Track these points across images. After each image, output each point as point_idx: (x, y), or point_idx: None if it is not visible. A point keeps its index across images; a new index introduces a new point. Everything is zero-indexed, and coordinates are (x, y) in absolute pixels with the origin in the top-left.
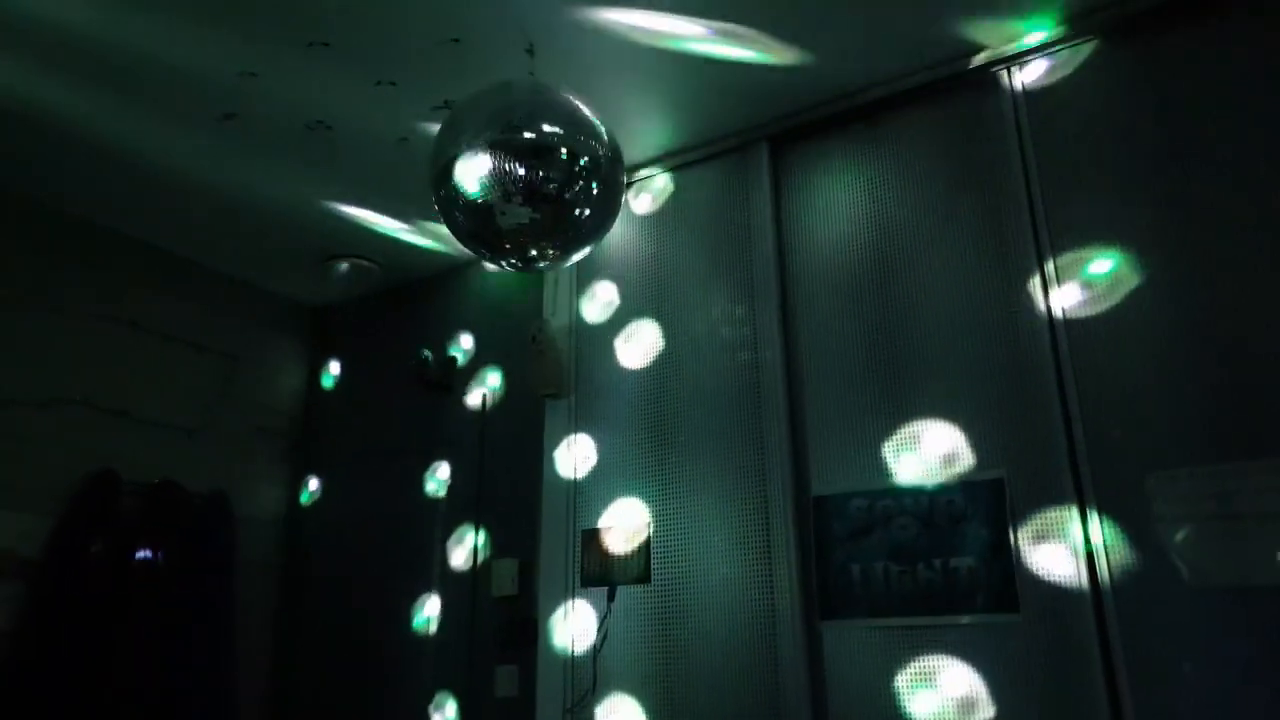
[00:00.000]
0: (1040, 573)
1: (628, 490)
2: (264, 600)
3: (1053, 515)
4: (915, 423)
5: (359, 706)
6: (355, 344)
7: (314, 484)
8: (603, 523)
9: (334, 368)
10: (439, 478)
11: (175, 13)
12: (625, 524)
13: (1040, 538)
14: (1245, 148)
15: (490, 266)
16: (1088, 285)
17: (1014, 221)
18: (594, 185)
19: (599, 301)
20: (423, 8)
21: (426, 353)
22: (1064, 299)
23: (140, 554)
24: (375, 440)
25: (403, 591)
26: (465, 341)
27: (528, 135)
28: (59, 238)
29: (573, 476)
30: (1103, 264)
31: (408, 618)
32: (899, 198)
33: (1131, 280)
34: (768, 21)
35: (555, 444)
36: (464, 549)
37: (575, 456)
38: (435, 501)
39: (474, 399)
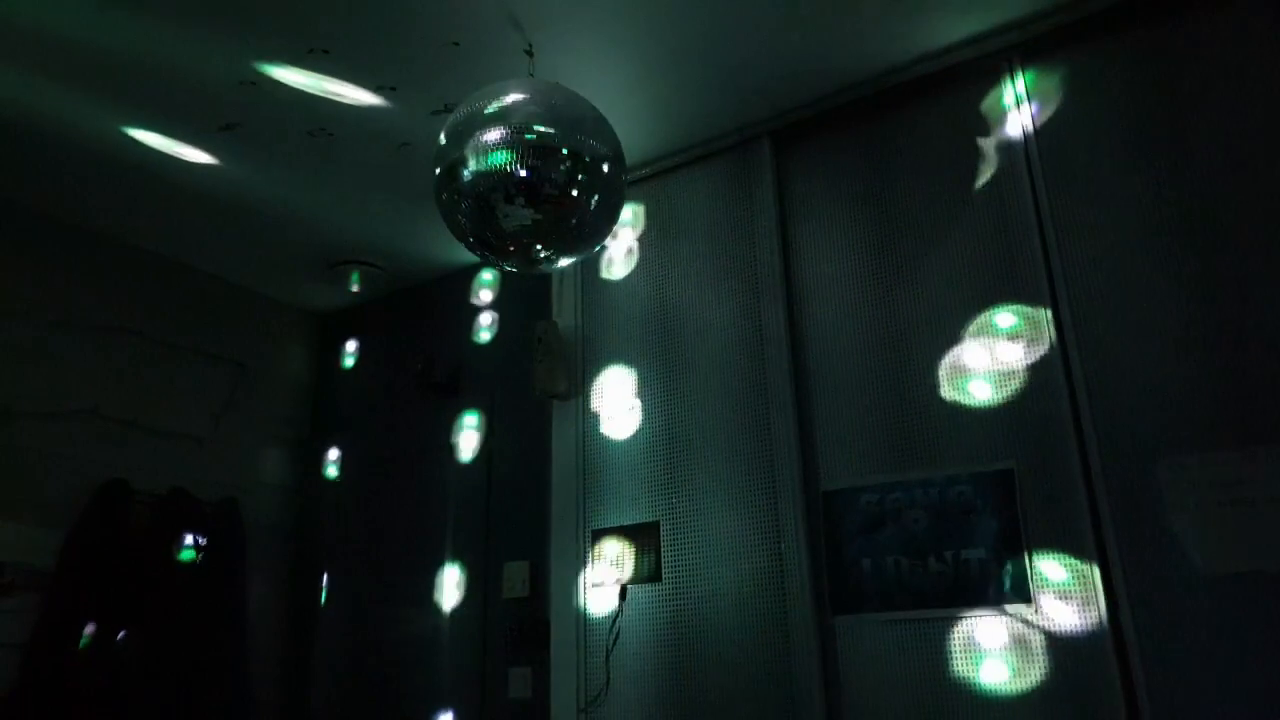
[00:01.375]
0: (1052, 562)
1: (637, 491)
2: (275, 605)
3: (1062, 512)
4: (923, 415)
5: (372, 707)
6: (362, 348)
7: (323, 487)
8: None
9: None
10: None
11: (177, 22)
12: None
13: (1052, 527)
14: None
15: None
16: (1097, 273)
17: (1019, 215)
18: (596, 185)
19: (604, 302)
20: (421, 12)
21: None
22: (1073, 291)
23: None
24: (383, 443)
25: (417, 588)
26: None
27: (528, 136)
28: (63, 248)
29: (581, 477)
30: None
31: (421, 617)
32: (905, 190)
33: (1140, 274)
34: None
35: (563, 444)
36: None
37: (583, 457)
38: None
39: (481, 402)
